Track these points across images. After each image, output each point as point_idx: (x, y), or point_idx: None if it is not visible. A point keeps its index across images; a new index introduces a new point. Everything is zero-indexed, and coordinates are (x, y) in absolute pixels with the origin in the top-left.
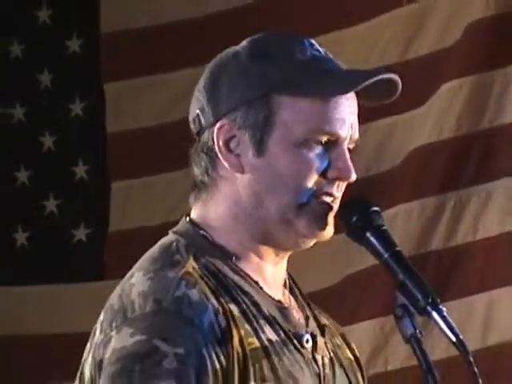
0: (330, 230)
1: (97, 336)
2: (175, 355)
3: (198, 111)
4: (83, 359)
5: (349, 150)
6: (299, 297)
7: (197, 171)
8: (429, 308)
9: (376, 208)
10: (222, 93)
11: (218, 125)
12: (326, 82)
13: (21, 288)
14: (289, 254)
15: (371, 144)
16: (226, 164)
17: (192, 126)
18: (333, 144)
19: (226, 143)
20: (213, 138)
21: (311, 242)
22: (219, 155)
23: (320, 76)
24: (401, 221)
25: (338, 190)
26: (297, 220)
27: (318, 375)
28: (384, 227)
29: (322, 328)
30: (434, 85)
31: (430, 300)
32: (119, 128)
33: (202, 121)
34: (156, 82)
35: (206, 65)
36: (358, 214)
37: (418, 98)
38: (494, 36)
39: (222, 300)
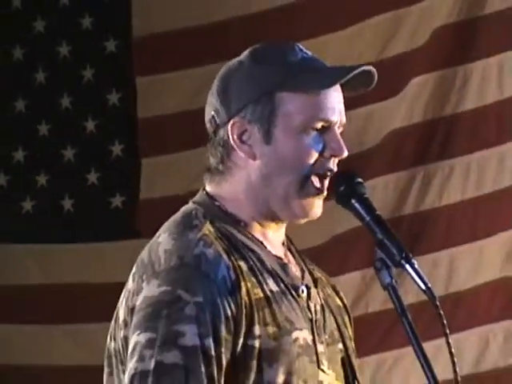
0: (318, 212)
1: (130, 285)
2: (195, 303)
3: (213, 113)
4: (119, 304)
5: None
6: (296, 255)
7: (213, 160)
8: (402, 261)
9: (359, 180)
10: (232, 96)
11: (231, 122)
12: (317, 78)
13: (67, 245)
14: (287, 221)
15: (354, 127)
16: (241, 154)
17: (208, 126)
18: (326, 129)
19: (240, 137)
20: (228, 134)
21: (304, 220)
22: (234, 147)
23: (311, 74)
24: (379, 190)
25: (334, 165)
26: (294, 202)
27: (311, 320)
28: (366, 195)
29: (315, 280)
30: (406, 79)
31: (403, 255)
32: (148, 114)
33: (217, 120)
34: (179, 77)
35: (220, 63)
36: (345, 185)
37: (392, 89)
38: (456, 39)
39: (233, 257)
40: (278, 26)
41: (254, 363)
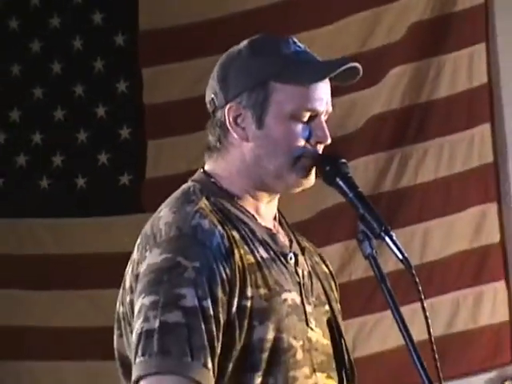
0: (312, 181)
1: (134, 255)
2: (193, 268)
3: (212, 96)
4: (126, 272)
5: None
6: (285, 226)
7: (211, 139)
8: (382, 234)
9: (343, 160)
10: (230, 82)
11: (228, 106)
12: (307, 71)
13: (80, 219)
14: (278, 196)
15: (339, 113)
16: (234, 135)
17: (208, 106)
18: (314, 117)
19: (235, 119)
20: (224, 116)
21: (298, 190)
22: (229, 128)
23: (302, 67)
24: (361, 170)
25: (320, 149)
26: (288, 175)
27: (299, 283)
28: (349, 174)
29: (303, 249)
30: (385, 70)
31: (382, 228)
32: (153, 101)
33: (216, 103)
34: (181, 67)
35: (218, 55)
36: (331, 165)
37: (373, 79)
38: (430, 33)
39: (226, 228)
40: (273, 20)
41: (246, 322)
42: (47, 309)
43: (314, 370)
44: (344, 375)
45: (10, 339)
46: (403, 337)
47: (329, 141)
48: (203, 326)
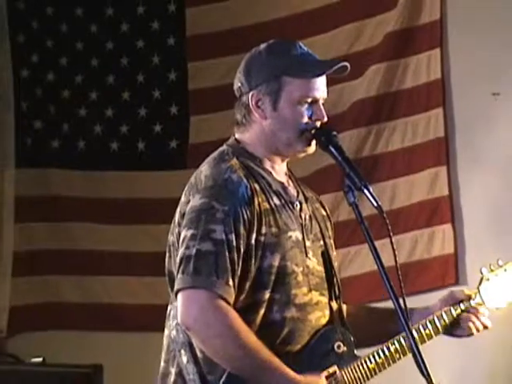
0: (313, 148)
1: (182, 199)
2: (223, 210)
3: (239, 84)
4: (176, 212)
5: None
6: (294, 181)
7: (239, 116)
8: (362, 187)
9: (335, 133)
10: (253, 75)
11: (251, 93)
12: (310, 68)
13: (141, 172)
14: (288, 158)
15: (332, 98)
16: (256, 115)
17: (236, 92)
18: (314, 102)
19: (256, 103)
20: (248, 100)
21: (303, 155)
22: (252, 110)
23: (306, 64)
24: (347, 140)
25: (318, 125)
26: (296, 144)
27: (301, 224)
28: (339, 143)
29: (307, 199)
30: (366, 66)
31: (362, 183)
32: (195, 87)
33: (242, 90)
34: (216, 62)
35: (243, 54)
36: (325, 136)
37: (357, 73)
38: (400, 40)
39: (250, 181)
40: (285, 29)
41: (260, 252)
42: (120, 238)
43: (310, 289)
44: (333, 293)
45: (92, 260)
46: (375, 262)
47: (325, 119)
48: (227, 254)
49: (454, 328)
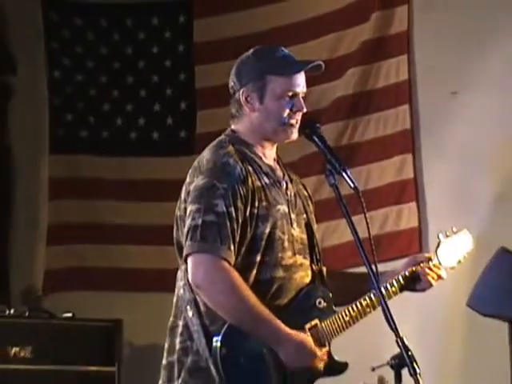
0: (295, 136)
1: (188, 179)
2: (223, 188)
3: (232, 83)
4: (181, 191)
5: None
6: (281, 165)
7: (233, 110)
8: (341, 171)
9: (318, 125)
10: (243, 75)
11: (241, 90)
12: (290, 67)
13: (155, 158)
14: (276, 144)
15: (316, 96)
16: (246, 108)
17: (230, 90)
18: (294, 96)
19: (246, 99)
20: (240, 96)
21: (288, 141)
22: (243, 104)
23: (287, 64)
24: (329, 131)
25: (299, 116)
26: (280, 132)
27: (287, 200)
28: (322, 134)
29: (291, 180)
30: (345, 69)
31: (342, 167)
32: (201, 87)
33: (235, 88)
34: (218, 66)
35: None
36: (309, 127)
37: (337, 75)
38: (373, 47)
39: (244, 164)
40: (279, 37)
41: (254, 222)
42: (138, 213)
43: (295, 253)
44: (314, 257)
45: (114, 231)
46: (352, 234)
47: (305, 110)
48: (228, 224)
49: (416, 283)
